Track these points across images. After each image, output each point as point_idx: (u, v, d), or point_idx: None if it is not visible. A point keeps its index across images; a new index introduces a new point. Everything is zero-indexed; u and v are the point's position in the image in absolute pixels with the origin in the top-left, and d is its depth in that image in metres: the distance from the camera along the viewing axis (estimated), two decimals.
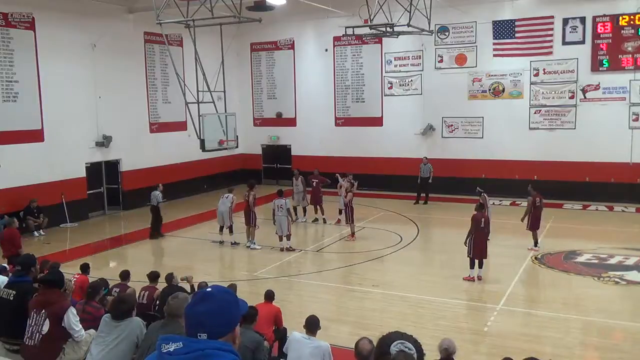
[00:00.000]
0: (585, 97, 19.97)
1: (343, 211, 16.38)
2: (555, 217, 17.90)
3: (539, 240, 14.26)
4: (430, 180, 20.12)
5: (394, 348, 2.59)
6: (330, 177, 18.22)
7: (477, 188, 15.27)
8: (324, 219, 17.79)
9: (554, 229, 16.33)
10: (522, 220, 14.44)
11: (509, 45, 20.77)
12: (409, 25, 15.76)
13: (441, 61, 21.98)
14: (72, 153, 18.30)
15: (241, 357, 2.29)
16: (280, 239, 14.72)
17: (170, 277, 8.73)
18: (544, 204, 14.60)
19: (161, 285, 8.89)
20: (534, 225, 14.16)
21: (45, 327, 5.80)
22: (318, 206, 17.91)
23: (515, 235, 15.14)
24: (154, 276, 8.87)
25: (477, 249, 11.85)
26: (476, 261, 11.91)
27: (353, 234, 15.71)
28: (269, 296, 8.21)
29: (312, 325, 6.70)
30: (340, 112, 24.12)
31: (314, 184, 17.86)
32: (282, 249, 14.63)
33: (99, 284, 7.45)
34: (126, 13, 20.09)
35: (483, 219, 11.97)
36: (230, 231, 15.39)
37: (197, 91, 15.88)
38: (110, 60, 19.33)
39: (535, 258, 13.46)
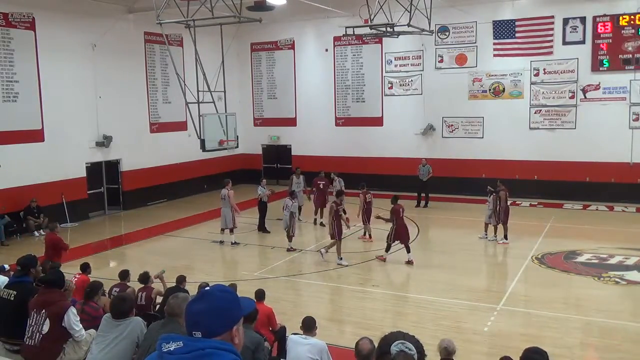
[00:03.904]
0: (585, 97, 19.97)
1: (361, 214, 15.36)
2: (555, 217, 17.92)
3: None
4: (424, 180, 19.89)
5: (395, 348, 2.59)
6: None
7: (488, 187, 15.39)
8: (321, 222, 17.33)
9: (554, 229, 16.34)
10: (499, 216, 14.86)
11: (509, 45, 20.77)
12: (409, 25, 15.76)
13: (441, 61, 21.98)
14: (72, 153, 18.30)
15: (241, 357, 2.28)
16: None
17: (181, 279, 8.79)
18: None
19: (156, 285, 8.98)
20: (505, 219, 14.78)
21: (46, 327, 5.80)
22: (321, 209, 17.45)
23: (515, 235, 15.14)
24: (144, 278, 8.86)
25: (403, 235, 13.19)
26: (399, 245, 13.26)
27: (370, 235, 15.59)
28: (260, 296, 7.99)
29: (308, 326, 6.71)
30: (341, 112, 24.12)
31: (322, 186, 17.51)
32: (288, 249, 14.62)
33: (97, 284, 7.44)
34: (126, 13, 20.08)
35: (401, 209, 13.36)
36: (231, 231, 15.38)
37: (197, 91, 15.88)
38: (110, 60, 19.32)
39: (536, 258, 13.46)
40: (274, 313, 8.00)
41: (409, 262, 13.12)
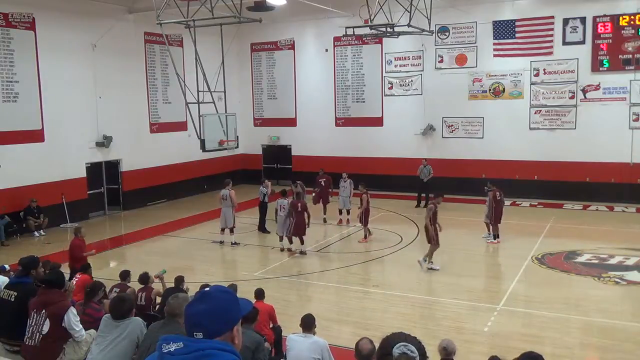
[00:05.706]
0: (585, 97, 19.96)
1: (360, 215, 15.47)
2: (555, 217, 17.92)
3: (499, 234, 15.00)
4: (425, 180, 19.80)
5: (397, 350, 2.58)
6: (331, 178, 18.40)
7: (486, 186, 15.43)
8: (324, 218, 17.79)
9: (554, 229, 16.34)
10: (491, 216, 14.90)
11: (509, 45, 20.76)
12: (409, 25, 15.76)
13: (441, 61, 21.98)
14: (72, 153, 18.30)
15: (241, 357, 2.29)
16: (281, 239, 14.71)
17: (180, 280, 8.78)
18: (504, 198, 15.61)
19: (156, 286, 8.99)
20: (497, 219, 14.83)
21: (46, 327, 5.80)
22: (325, 205, 17.93)
23: (515, 235, 15.15)
24: (144, 278, 8.86)
25: (298, 228, 14.08)
26: (296, 238, 14.23)
27: (366, 235, 15.56)
28: (260, 294, 8.22)
29: (307, 324, 6.68)
30: (341, 112, 24.12)
31: (323, 183, 17.91)
32: (282, 249, 14.62)
33: (97, 284, 7.44)
34: (126, 13, 20.07)
35: (299, 204, 14.30)
36: (231, 231, 15.37)
37: (198, 91, 15.89)
38: (110, 60, 19.32)
39: (536, 258, 13.46)
40: (274, 309, 8.13)
41: (303, 253, 14.22)
